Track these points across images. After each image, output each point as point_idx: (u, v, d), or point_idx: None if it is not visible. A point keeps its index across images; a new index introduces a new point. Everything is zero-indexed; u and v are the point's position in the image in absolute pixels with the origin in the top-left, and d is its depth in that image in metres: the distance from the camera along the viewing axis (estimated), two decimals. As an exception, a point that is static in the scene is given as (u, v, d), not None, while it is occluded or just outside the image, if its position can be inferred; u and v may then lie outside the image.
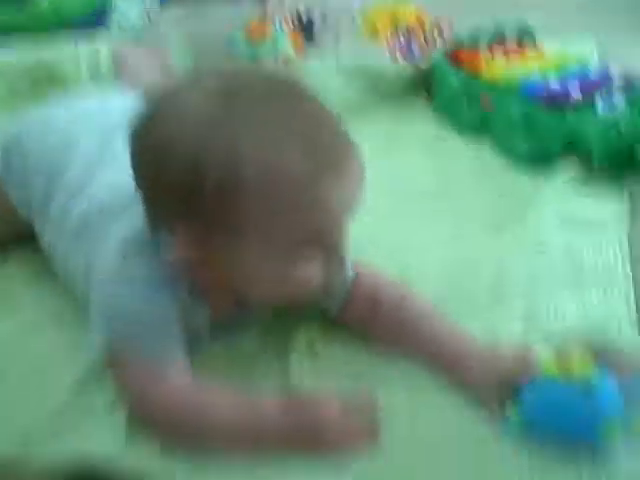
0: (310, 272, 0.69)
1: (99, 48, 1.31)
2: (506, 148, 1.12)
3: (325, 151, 0.65)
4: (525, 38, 1.28)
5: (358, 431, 0.68)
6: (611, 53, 1.39)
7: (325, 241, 0.68)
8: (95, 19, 1.50)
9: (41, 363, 0.78)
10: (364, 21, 1.49)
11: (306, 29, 1.46)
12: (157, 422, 0.69)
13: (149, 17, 1.65)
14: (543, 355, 0.69)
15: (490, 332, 0.77)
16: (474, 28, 1.31)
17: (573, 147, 1.05)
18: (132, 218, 0.74)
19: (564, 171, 1.04)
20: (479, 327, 0.77)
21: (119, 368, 0.72)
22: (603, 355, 0.70)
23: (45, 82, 1.29)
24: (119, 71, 1.24)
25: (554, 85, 1.11)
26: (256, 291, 0.73)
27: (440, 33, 1.46)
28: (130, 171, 0.71)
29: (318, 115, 0.67)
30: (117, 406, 0.72)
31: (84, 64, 1.29)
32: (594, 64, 1.20)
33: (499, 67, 1.17)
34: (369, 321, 0.78)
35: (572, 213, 0.96)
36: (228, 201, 0.63)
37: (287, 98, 0.66)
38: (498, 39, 1.27)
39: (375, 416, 0.69)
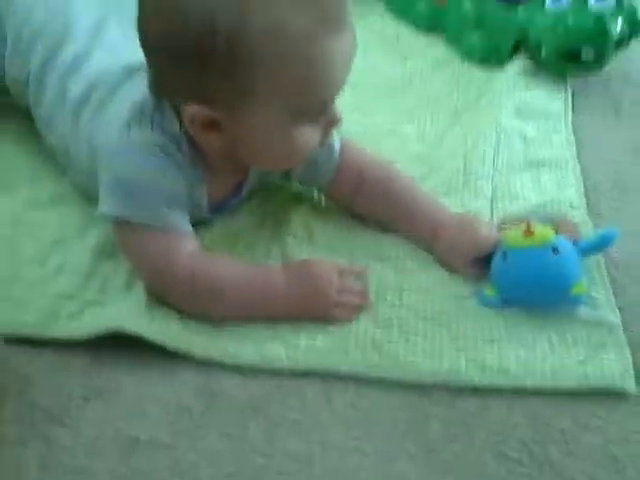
0: (311, 136, 0.73)
1: None
2: (459, 44, 1.18)
3: (329, 9, 0.67)
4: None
5: (354, 295, 0.77)
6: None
7: (327, 103, 0.72)
8: None
9: (49, 242, 0.82)
10: None
11: None
12: (173, 291, 0.75)
13: None
14: (509, 230, 0.79)
15: (462, 209, 0.87)
16: None
17: (522, 42, 1.13)
18: (133, 89, 0.77)
19: (514, 65, 1.12)
20: (452, 205, 0.87)
21: (132, 241, 0.75)
22: (560, 225, 0.80)
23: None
24: None
25: (504, -19, 1.18)
26: (263, 155, 0.75)
27: None
28: (130, 45, 0.73)
29: None
30: (133, 282, 0.77)
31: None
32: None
33: (450, -36, 1.22)
34: (355, 194, 0.85)
35: (524, 103, 1.05)
36: (240, 57, 0.66)
37: None
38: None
39: (366, 280, 0.79)
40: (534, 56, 1.12)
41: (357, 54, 1.15)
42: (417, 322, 0.76)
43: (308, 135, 0.73)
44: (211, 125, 0.71)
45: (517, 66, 1.11)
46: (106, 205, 0.75)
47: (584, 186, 0.93)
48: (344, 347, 0.73)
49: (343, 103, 0.75)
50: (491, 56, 1.15)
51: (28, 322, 0.74)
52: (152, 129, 0.74)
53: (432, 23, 1.23)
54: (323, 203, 0.89)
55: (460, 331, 0.75)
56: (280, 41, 0.65)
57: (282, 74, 0.67)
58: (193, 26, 0.65)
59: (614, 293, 0.78)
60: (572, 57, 1.09)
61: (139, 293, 0.75)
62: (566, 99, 1.07)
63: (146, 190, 0.74)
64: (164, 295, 0.75)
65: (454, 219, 0.82)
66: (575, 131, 1.02)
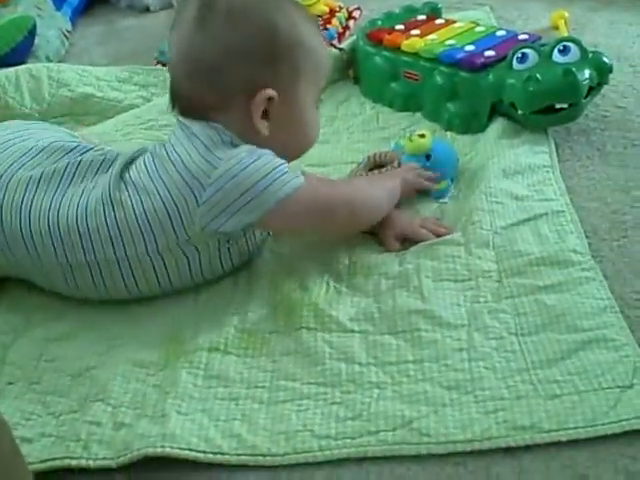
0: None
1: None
2: (438, 117, 1.22)
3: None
4: (434, 14, 1.39)
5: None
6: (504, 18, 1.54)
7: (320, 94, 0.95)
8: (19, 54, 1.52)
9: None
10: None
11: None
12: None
13: (66, 38, 1.69)
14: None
15: (468, 275, 0.90)
16: (386, 10, 1.41)
17: (498, 105, 1.17)
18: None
19: (494, 127, 1.16)
20: (459, 273, 0.90)
21: (306, 199, 0.88)
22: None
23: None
24: None
25: (470, 49, 1.22)
26: (296, 137, 0.93)
27: (352, 18, 1.56)
28: None
29: None
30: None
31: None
32: (500, 30, 1.31)
33: (417, 41, 1.27)
34: None
35: (510, 163, 1.07)
36: (293, 60, 0.89)
37: None
38: (410, 17, 1.37)
39: None
40: (511, 116, 1.15)
41: (343, 138, 1.21)
42: (443, 392, 0.76)
43: (318, 120, 0.95)
44: (265, 114, 0.88)
45: (497, 128, 1.15)
46: (260, 209, 0.85)
47: (584, 231, 0.94)
48: (375, 429, 0.73)
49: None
50: (471, 124, 1.18)
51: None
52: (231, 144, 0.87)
53: (408, 101, 1.27)
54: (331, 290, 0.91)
55: (485, 393, 0.75)
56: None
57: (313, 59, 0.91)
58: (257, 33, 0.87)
59: (631, 330, 0.79)
60: (547, 110, 1.12)
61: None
62: (550, 151, 1.10)
63: (281, 166, 0.86)
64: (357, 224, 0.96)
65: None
66: (565, 180, 1.04)
